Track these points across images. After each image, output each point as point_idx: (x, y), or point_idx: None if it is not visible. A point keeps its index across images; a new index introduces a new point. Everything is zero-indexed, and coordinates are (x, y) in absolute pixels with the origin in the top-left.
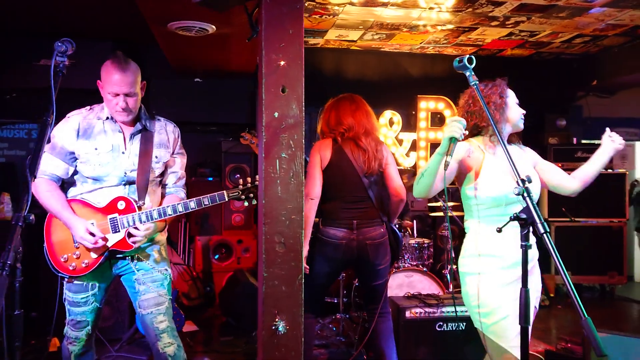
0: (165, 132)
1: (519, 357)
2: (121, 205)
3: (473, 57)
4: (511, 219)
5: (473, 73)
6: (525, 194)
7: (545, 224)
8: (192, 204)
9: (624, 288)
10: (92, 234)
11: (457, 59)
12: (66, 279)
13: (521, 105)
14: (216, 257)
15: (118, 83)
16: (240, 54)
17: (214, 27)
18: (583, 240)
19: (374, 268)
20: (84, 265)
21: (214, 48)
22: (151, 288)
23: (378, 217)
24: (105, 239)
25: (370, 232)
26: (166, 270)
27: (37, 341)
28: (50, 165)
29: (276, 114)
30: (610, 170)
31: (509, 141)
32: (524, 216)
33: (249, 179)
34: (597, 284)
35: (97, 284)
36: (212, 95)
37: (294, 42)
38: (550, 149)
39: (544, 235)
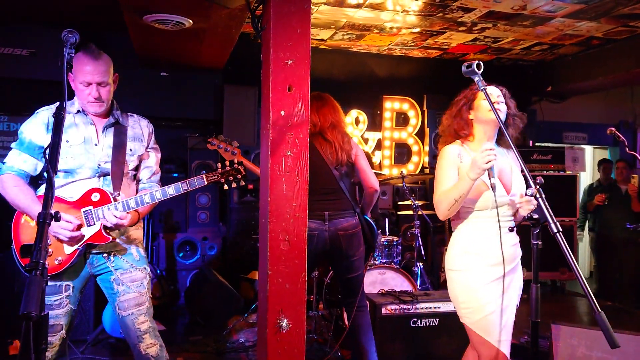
0: (139, 126)
1: (505, 352)
2: (95, 197)
3: (481, 62)
4: (525, 219)
5: (482, 78)
6: (537, 195)
7: (557, 223)
8: (170, 190)
9: (573, 283)
10: (69, 222)
11: (466, 64)
12: None
13: None
14: (180, 255)
15: (91, 72)
16: (212, 49)
17: (191, 21)
18: None
19: (348, 260)
20: (57, 262)
21: (187, 42)
22: (131, 288)
23: (350, 208)
24: (82, 225)
25: (342, 223)
26: (145, 268)
27: None
28: (18, 160)
29: (283, 112)
30: (562, 173)
31: (500, 142)
32: (536, 216)
33: (227, 162)
34: (549, 280)
35: (72, 285)
36: (178, 90)
37: (301, 41)
38: None
39: (557, 234)
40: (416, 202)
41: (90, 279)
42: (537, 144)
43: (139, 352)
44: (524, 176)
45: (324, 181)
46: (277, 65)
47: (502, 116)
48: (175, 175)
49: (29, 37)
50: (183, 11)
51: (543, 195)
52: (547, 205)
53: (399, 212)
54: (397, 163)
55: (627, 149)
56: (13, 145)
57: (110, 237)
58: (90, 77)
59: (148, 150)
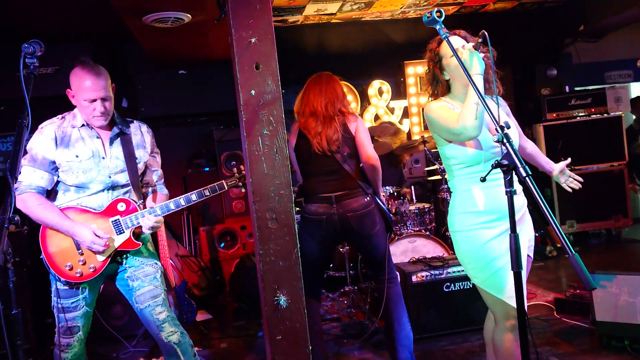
0: (141, 132)
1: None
2: (121, 206)
3: (442, 10)
4: (493, 167)
5: (443, 26)
6: (504, 140)
7: (527, 167)
8: (194, 197)
9: (630, 230)
10: (100, 237)
11: (426, 14)
12: (55, 284)
13: (509, 58)
14: (222, 245)
15: (93, 88)
16: (220, 39)
17: (189, 15)
18: (585, 187)
19: (366, 240)
20: (91, 270)
21: (193, 36)
22: (145, 282)
23: (358, 187)
24: (111, 240)
25: (351, 204)
26: (156, 263)
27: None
28: (34, 177)
29: (253, 92)
30: (605, 115)
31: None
32: (505, 162)
33: (242, 167)
34: (603, 229)
35: (87, 287)
36: (199, 85)
37: (262, 17)
38: (544, 100)
39: (527, 178)
40: (442, 166)
41: (103, 280)
42: (576, 89)
43: (162, 341)
44: (492, 120)
45: (323, 161)
46: (241, 44)
47: None
48: (207, 169)
49: (53, 54)
50: (177, 6)
51: (510, 140)
52: (515, 149)
53: (431, 179)
54: (428, 129)
55: None
56: (24, 162)
57: (140, 243)
58: (94, 94)
59: (152, 155)
